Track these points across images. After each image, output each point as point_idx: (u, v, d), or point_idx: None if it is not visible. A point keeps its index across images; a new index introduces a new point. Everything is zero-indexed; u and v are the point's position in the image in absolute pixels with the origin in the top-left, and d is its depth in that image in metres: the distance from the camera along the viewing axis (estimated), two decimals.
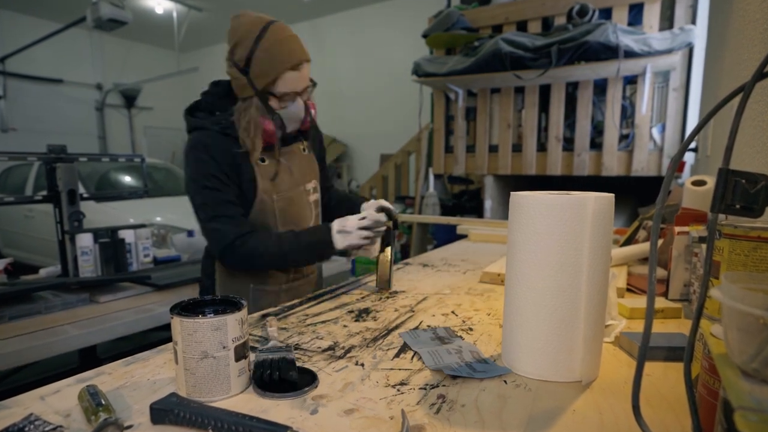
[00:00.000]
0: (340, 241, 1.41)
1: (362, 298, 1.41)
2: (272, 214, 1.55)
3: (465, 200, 4.81)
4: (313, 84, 1.55)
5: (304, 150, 1.68)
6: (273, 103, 1.47)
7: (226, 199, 1.45)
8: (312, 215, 1.69)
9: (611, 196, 0.80)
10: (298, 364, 0.90)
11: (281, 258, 1.46)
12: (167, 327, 0.93)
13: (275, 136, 1.50)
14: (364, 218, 1.41)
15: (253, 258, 1.44)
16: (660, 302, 1.21)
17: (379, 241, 1.45)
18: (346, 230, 1.40)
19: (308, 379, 0.84)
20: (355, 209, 1.61)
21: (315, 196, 1.70)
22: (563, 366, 0.82)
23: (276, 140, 1.52)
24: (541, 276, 0.82)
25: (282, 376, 0.81)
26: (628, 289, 1.44)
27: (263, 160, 1.52)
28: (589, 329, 0.81)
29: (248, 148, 1.47)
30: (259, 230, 1.49)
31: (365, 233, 1.40)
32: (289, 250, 1.44)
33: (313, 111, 1.61)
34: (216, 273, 1.61)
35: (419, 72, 3.90)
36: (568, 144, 3.65)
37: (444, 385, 0.82)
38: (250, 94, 1.46)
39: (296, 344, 1.02)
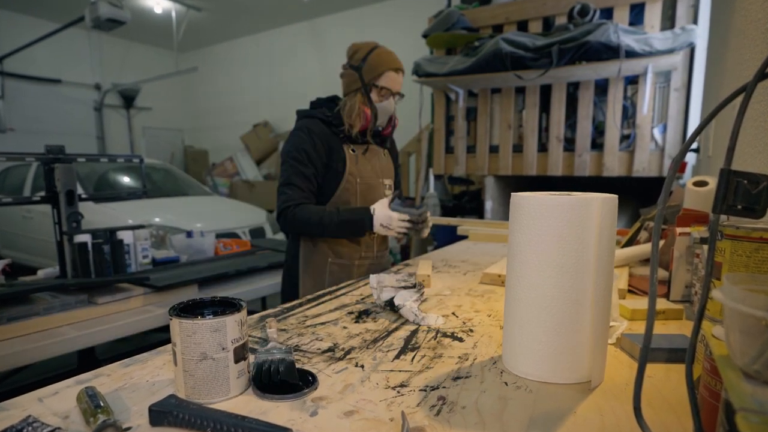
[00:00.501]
0: (378, 229, 1.75)
1: (362, 299, 1.41)
2: (354, 194, 1.92)
3: (465, 201, 4.81)
4: (401, 95, 1.95)
5: (384, 154, 2.08)
6: (374, 95, 1.87)
7: (303, 173, 1.83)
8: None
9: (615, 197, 0.80)
10: (297, 365, 0.90)
11: (320, 227, 1.78)
12: (166, 328, 0.93)
13: (369, 123, 1.89)
14: (405, 219, 1.72)
15: (298, 222, 1.79)
16: (661, 303, 1.21)
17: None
18: (389, 226, 1.75)
19: (308, 380, 0.84)
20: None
21: (389, 192, 2.07)
22: (564, 368, 0.82)
23: (369, 126, 1.90)
24: (542, 277, 0.81)
25: (282, 378, 0.81)
26: (629, 291, 1.44)
27: (354, 150, 1.93)
28: (598, 331, 0.80)
29: (349, 127, 1.88)
30: (310, 201, 1.86)
31: (403, 230, 1.72)
32: (329, 222, 1.76)
33: (396, 121, 2.04)
34: (300, 251, 1.96)
35: (419, 72, 3.90)
36: (569, 144, 3.65)
37: (444, 387, 0.82)
38: (357, 86, 1.87)
39: (296, 345, 1.02)
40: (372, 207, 1.82)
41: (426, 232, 1.83)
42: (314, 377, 0.86)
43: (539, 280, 0.82)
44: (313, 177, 1.87)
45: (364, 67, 1.85)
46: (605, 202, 0.78)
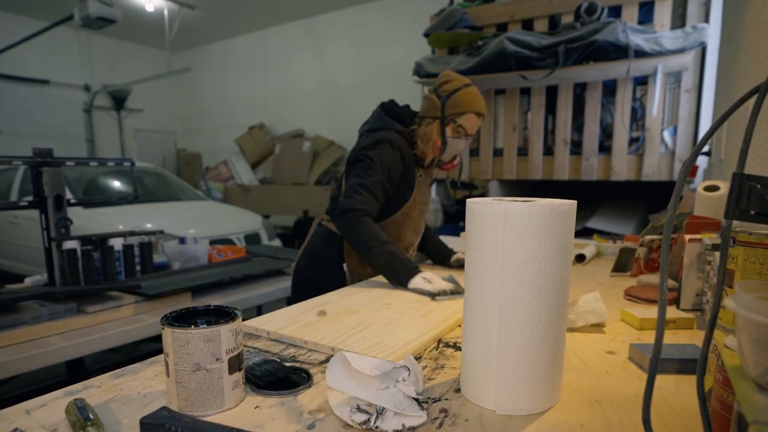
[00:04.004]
0: (413, 287, 1.59)
1: None
2: (410, 218, 2.00)
3: None
4: (474, 138, 2.05)
5: (431, 178, 2.13)
6: (448, 130, 1.91)
7: (383, 185, 1.86)
8: (420, 232, 2.11)
9: (534, 204, 0.74)
10: (302, 359, 0.96)
11: (365, 252, 1.74)
12: (158, 338, 0.93)
13: (438, 155, 1.94)
14: (446, 291, 1.54)
15: (352, 232, 1.77)
16: (671, 312, 1.21)
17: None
18: (426, 290, 1.55)
19: (303, 378, 0.89)
20: (445, 260, 2.12)
21: (427, 213, 2.17)
22: (481, 390, 0.80)
23: (435, 157, 1.95)
24: (469, 289, 0.82)
25: (278, 376, 0.84)
26: (632, 299, 1.44)
27: (421, 175, 2.00)
28: (504, 355, 0.77)
29: (420, 154, 1.94)
30: (375, 222, 1.84)
31: (436, 295, 1.53)
32: (374, 254, 1.71)
33: (456, 163, 2.07)
34: (344, 247, 1.98)
35: (421, 72, 3.91)
36: (576, 147, 3.66)
37: (447, 399, 0.82)
38: (436, 115, 1.90)
39: (292, 356, 1.02)
40: (421, 271, 1.66)
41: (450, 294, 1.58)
42: (309, 375, 0.90)
43: (468, 294, 0.83)
44: (384, 196, 1.89)
45: (449, 100, 1.88)
46: (514, 207, 0.75)
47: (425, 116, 1.94)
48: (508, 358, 0.76)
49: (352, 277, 1.99)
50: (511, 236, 0.74)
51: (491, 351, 0.77)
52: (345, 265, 1.99)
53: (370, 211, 1.80)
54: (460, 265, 2.08)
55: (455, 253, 2.13)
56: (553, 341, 0.77)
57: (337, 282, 1.97)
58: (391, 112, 2.00)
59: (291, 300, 2.13)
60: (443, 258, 2.12)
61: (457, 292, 1.52)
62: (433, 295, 1.51)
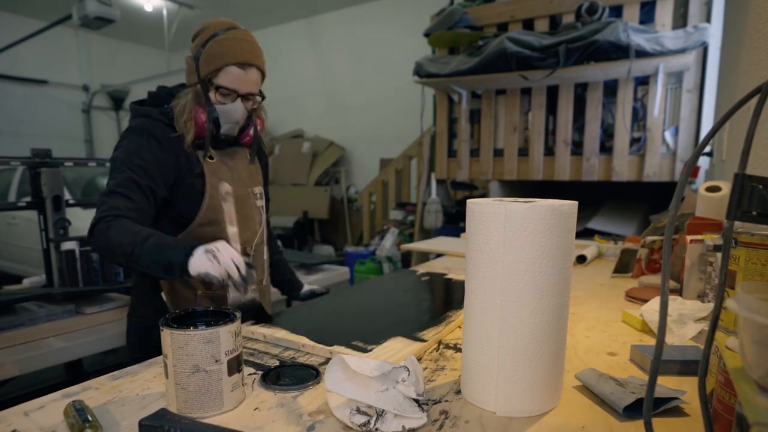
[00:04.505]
0: (197, 272, 1.20)
1: None
2: (220, 210, 1.54)
3: None
4: (262, 97, 1.60)
5: (248, 156, 1.69)
6: (212, 95, 1.48)
7: (137, 182, 1.39)
8: (259, 220, 1.69)
9: (535, 205, 0.73)
10: (301, 361, 1.00)
11: (128, 262, 1.28)
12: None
13: (205, 129, 1.49)
14: (250, 265, 1.24)
15: (104, 246, 1.31)
16: None
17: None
18: (211, 275, 1.19)
19: (312, 374, 0.91)
20: (293, 293, 1.88)
21: (261, 203, 1.71)
22: (481, 392, 0.80)
23: (206, 134, 1.49)
24: (469, 291, 0.82)
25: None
26: (632, 300, 1.44)
27: (212, 158, 1.54)
28: (505, 356, 0.77)
29: (182, 133, 1.48)
30: (137, 220, 1.37)
31: (233, 276, 1.18)
32: (137, 256, 1.26)
33: (259, 127, 1.67)
34: (161, 283, 1.54)
35: (421, 72, 3.91)
36: (577, 148, 3.66)
37: (447, 401, 0.82)
38: (194, 81, 1.49)
39: (292, 358, 1.02)
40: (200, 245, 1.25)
41: (240, 296, 1.26)
42: (317, 371, 0.92)
43: (469, 294, 0.82)
44: (149, 192, 1.43)
45: (201, 58, 1.47)
46: (515, 208, 0.74)
47: (187, 85, 1.54)
48: (508, 360, 0.76)
49: (176, 308, 1.55)
50: (511, 237, 0.74)
51: (492, 352, 0.77)
52: (163, 295, 1.55)
53: (122, 213, 1.34)
54: (310, 296, 1.86)
55: (302, 285, 1.90)
56: (554, 343, 0.77)
57: (160, 314, 1.44)
58: (149, 99, 1.59)
59: (134, 354, 1.64)
60: (291, 290, 1.90)
61: (250, 279, 1.21)
62: (219, 283, 1.18)
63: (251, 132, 1.62)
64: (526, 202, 0.76)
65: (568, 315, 0.80)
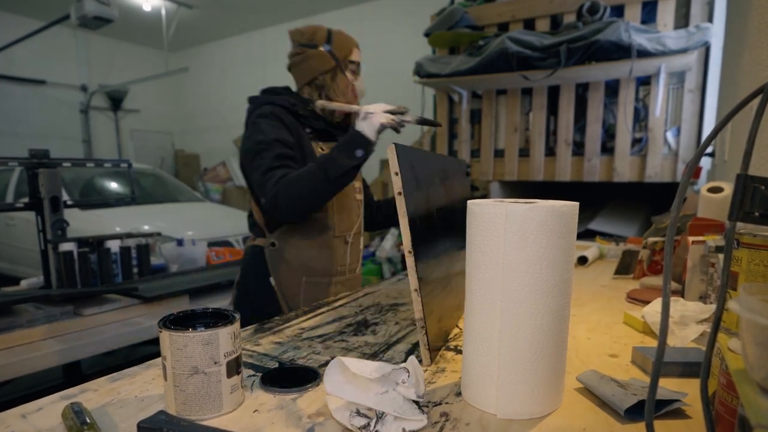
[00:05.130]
0: (367, 127, 1.51)
1: (361, 310, 1.41)
2: (330, 202, 1.76)
3: None
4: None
5: None
6: (348, 74, 1.83)
7: (288, 155, 1.63)
8: (358, 212, 1.90)
9: (536, 206, 0.73)
10: (301, 363, 1.01)
11: (321, 173, 1.50)
12: (155, 341, 0.93)
13: (357, 102, 1.87)
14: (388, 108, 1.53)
15: (294, 197, 1.51)
16: None
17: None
18: (369, 111, 1.52)
19: (311, 376, 0.91)
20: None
21: (360, 197, 1.92)
22: (482, 394, 0.80)
23: (355, 101, 1.87)
24: (470, 292, 0.82)
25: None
26: (633, 301, 1.44)
27: (322, 149, 1.79)
28: (506, 358, 0.76)
29: (342, 109, 1.79)
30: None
31: (389, 115, 1.51)
32: (325, 160, 1.51)
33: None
34: (270, 268, 1.79)
35: (421, 72, 3.91)
36: (578, 148, 3.66)
37: (447, 403, 0.82)
38: (331, 65, 1.79)
39: (291, 359, 1.02)
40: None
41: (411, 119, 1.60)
42: (317, 373, 0.92)
43: (469, 295, 0.82)
44: (298, 163, 1.67)
45: (333, 45, 1.80)
46: (515, 209, 0.74)
47: (318, 74, 1.80)
48: (509, 362, 0.76)
49: (284, 292, 1.80)
50: (512, 238, 0.74)
51: (492, 354, 0.77)
52: (272, 279, 1.79)
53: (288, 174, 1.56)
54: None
55: None
56: (555, 344, 0.77)
57: (270, 304, 1.80)
58: (264, 92, 1.84)
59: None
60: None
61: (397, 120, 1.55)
62: (388, 126, 1.53)
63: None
64: (526, 202, 0.76)
65: (570, 316, 0.80)
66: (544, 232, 0.73)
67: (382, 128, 1.51)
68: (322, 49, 1.79)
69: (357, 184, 1.90)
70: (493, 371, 0.77)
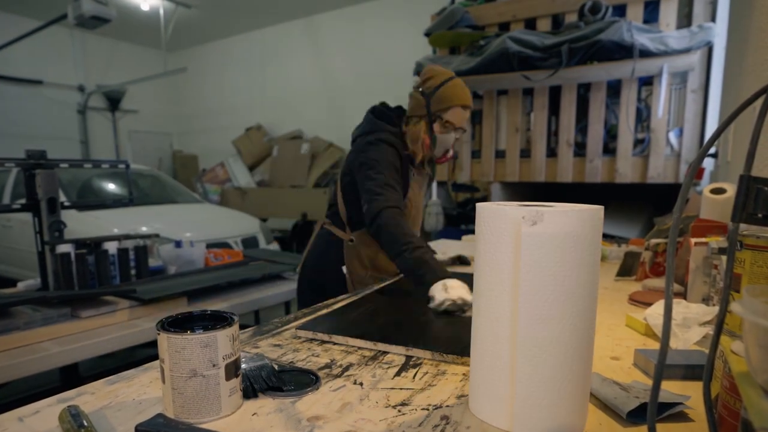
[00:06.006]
0: (438, 295, 1.40)
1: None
2: (407, 218, 1.92)
3: (470, 209, 4.81)
4: (464, 131, 2.00)
5: (425, 176, 2.14)
6: (436, 126, 1.93)
7: (396, 180, 1.85)
8: (420, 221, 2.17)
9: (557, 211, 0.68)
10: (300, 366, 1.00)
11: (396, 256, 1.67)
12: (154, 344, 0.93)
13: (428, 152, 1.96)
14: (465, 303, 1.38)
15: (387, 235, 1.70)
16: None
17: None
18: (450, 297, 1.38)
19: (311, 379, 0.92)
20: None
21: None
22: (492, 408, 0.76)
23: (425, 156, 1.98)
24: (476, 297, 0.78)
25: (272, 384, 0.88)
26: (640, 304, 1.44)
27: (414, 175, 1.99)
28: (523, 370, 0.71)
29: (411, 153, 1.94)
30: (408, 220, 1.88)
31: (451, 304, 1.38)
32: (405, 259, 1.63)
33: (449, 156, 2.08)
34: (344, 253, 2.01)
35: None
36: (580, 149, 3.66)
37: (448, 406, 0.82)
38: (422, 113, 1.92)
39: (290, 362, 1.02)
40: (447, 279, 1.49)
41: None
42: (317, 377, 0.93)
43: (476, 301, 0.77)
44: (400, 190, 1.89)
45: (433, 97, 1.90)
46: (532, 215, 0.68)
47: (412, 115, 1.96)
48: (528, 374, 0.70)
49: (353, 279, 2.01)
50: (530, 245, 0.68)
51: (504, 372, 0.73)
52: (344, 268, 2.01)
53: (401, 206, 1.80)
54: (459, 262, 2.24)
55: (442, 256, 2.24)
56: (580, 360, 0.71)
57: (338, 284, 2.01)
58: (381, 115, 2.00)
59: (297, 302, 2.20)
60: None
61: (462, 308, 1.38)
62: (435, 306, 1.40)
63: (449, 155, 2.07)
64: (545, 206, 0.72)
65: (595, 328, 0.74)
66: (570, 239, 0.68)
67: (442, 305, 1.39)
68: (420, 96, 1.93)
69: (422, 200, 2.16)
70: (504, 392, 0.73)
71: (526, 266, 0.69)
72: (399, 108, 2.05)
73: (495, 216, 0.72)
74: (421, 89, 1.94)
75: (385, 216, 1.72)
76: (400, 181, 1.89)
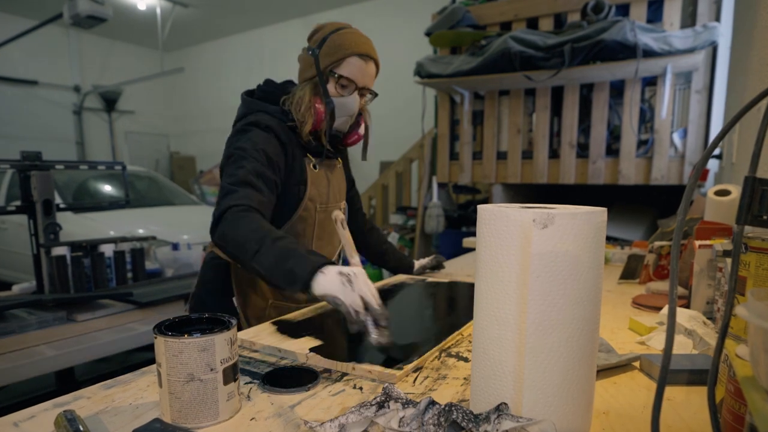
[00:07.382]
0: (321, 293, 1.10)
1: None
2: (311, 224, 1.61)
3: (471, 211, 4.81)
4: (374, 94, 1.64)
5: (339, 166, 1.75)
6: (331, 87, 1.53)
7: (266, 175, 1.43)
8: (338, 237, 1.61)
9: (563, 213, 0.66)
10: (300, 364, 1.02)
11: (251, 259, 1.22)
12: (150, 347, 0.93)
13: (323, 123, 1.53)
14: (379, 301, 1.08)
15: (232, 238, 1.27)
16: None
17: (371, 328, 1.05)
18: (351, 278, 1.08)
19: (311, 377, 0.94)
20: (402, 266, 1.94)
21: (342, 217, 1.54)
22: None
23: (321, 127, 1.55)
24: (477, 301, 0.76)
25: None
26: (644, 308, 1.44)
27: (315, 167, 1.60)
28: (531, 377, 0.69)
29: (298, 126, 1.53)
30: (265, 216, 1.38)
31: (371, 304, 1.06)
32: (263, 256, 1.21)
33: (362, 127, 1.69)
34: (233, 285, 1.61)
35: (422, 73, 3.91)
36: (583, 150, 3.66)
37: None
38: (311, 73, 1.53)
39: (292, 362, 1.02)
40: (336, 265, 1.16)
41: (379, 338, 1.04)
42: (316, 374, 0.95)
43: (477, 306, 0.76)
44: (274, 187, 1.47)
45: (321, 51, 1.51)
46: (543, 217, 0.67)
47: (301, 81, 1.58)
48: (535, 390, 0.70)
49: (247, 315, 1.62)
50: (538, 248, 0.67)
51: (510, 379, 0.72)
52: (235, 300, 1.61)
53: (254, 205, 1.34)
54: (423, 271, 2.00)
55: (413, 264, 2.00)
56: (586, 367, 0.71)
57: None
58: (259, 93, 1.61)
59: None
60: (406, 271, 1.98)
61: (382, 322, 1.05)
62: (347, 313, 1.05)
63: (360, 131, 1.68)
64: (548, 208, 0.72)
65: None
66: (574, 243, 0.67)
67: (336, 304, 1.07)
68: (307, 54, 1.56)
69: (343, 204, 1.76)
70: (512, 392, 0.72)
71: (536, 271, 0.67)
72: (289, 82, 1.64)
73: (498, 218, 0.70)
74: (308, 47, 1.56)
75: (227, 219, 1.29)
76: (275, 174, 1.47)
